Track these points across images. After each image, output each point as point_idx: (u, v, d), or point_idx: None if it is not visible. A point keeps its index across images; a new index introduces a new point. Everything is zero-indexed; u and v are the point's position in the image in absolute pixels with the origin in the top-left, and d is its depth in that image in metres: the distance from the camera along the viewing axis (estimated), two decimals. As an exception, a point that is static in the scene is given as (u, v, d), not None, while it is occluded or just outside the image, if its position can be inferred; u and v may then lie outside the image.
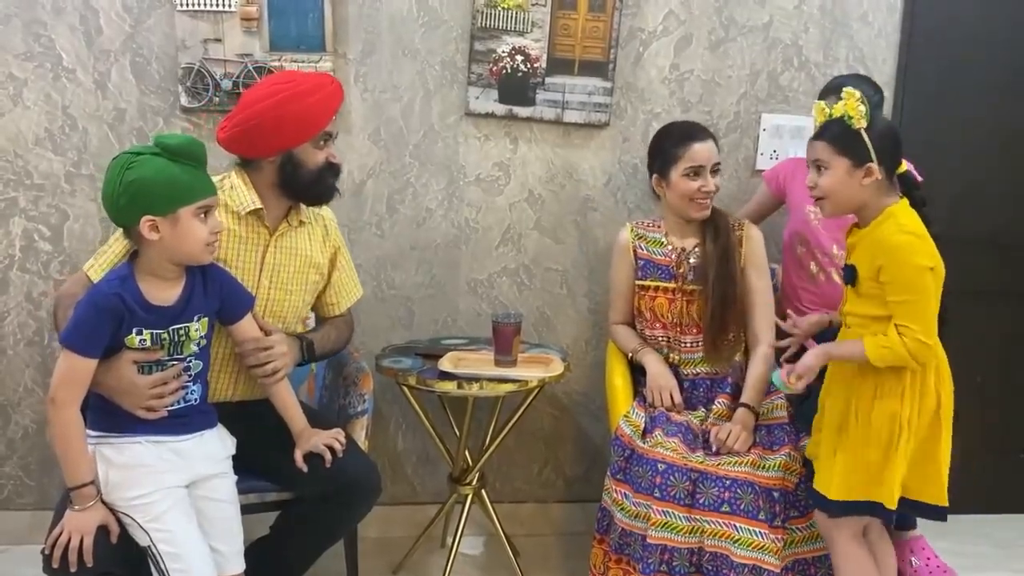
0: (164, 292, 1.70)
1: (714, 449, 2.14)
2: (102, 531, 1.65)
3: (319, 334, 2.10)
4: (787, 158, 2.68)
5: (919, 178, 2.01)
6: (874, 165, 1.83)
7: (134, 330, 1.66)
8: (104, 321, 1.63)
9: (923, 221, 1.85)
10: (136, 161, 1.61)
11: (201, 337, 1.75)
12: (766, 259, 2.39)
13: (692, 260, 2.34)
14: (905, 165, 1.90)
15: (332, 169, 2.00)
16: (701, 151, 2.28)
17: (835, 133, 1.86)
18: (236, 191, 1.94)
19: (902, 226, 1.82)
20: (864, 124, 1.83)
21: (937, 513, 1.91)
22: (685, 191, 2.30)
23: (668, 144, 2.34)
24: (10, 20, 2.41)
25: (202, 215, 1.67)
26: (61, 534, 1.63)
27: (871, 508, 1.89)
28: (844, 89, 1.85)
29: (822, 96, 2.42)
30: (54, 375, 1.64)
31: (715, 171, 2.31)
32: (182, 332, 1.72)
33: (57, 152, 2.49)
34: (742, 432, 2.15)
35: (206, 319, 1.76)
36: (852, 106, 1.83)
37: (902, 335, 1.81)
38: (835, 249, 2.42)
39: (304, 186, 1.97)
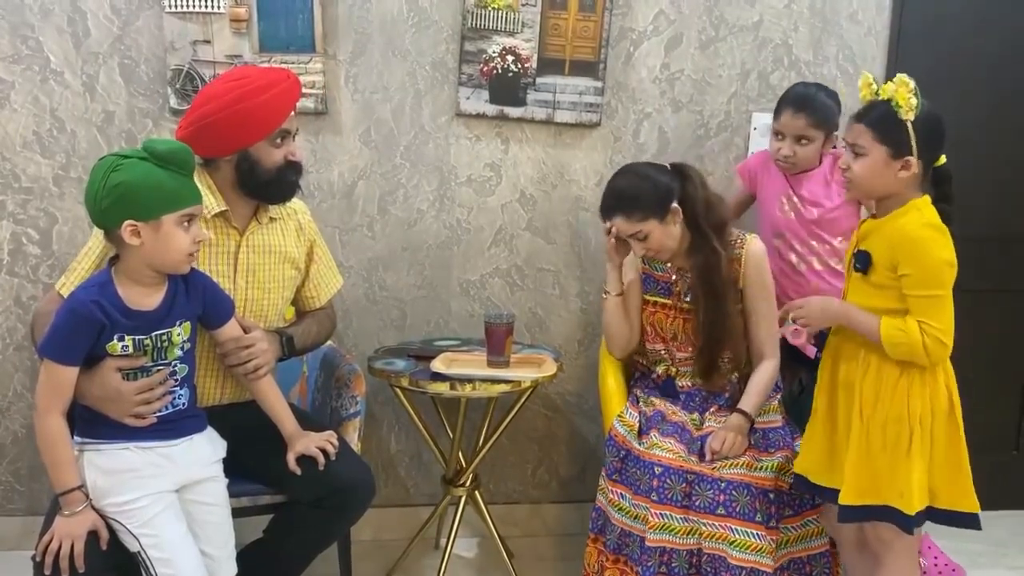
0: (145, 298, 1.68)
1: (708, 458, 2.11)
2: (92, 537, 1.64)
3: (300, 328, 2.09)
4: (757, 151, 2.66)
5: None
6: (913, 159, 1.77)
7: (115, 337, 1.64)
8: (82, 329, 1.61)
9: (947, 218, 1.81)
10: (123, 164, 1.59)
11: (184, 341, 1.74)
12: (769, 273, 2.30)
13: (688, 279, 2.28)
14: (943, 160, 1.84)
15: (292, 167, 1.95)
16: (616, 227, 2.21)
17: (878, 118, 1.78)
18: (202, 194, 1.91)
19: (927, 220, 1.79)
20: (912, 117, 1.75)
21: (971, 521, 1.86)
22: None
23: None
24: (-3, 22, 2.40)
25: (185, 223, 1.65)
26: (51, 540, 1.61)
27: (885, 513, 1.83)
28: (898, 76, 1.77)
29: (781, 105, 2.41)
30: (37, 384, 1.63)
31: (641, 238, 2.19)
32: (165, 338, 1.70)
33: (45, 155, 2.48)
34: (736, 438, 2.12)
35: (188, 323, 1.74)
36: (903, 96, 1.75)
37: (923, 331, 1.76)
38: (812, 241, 2.43)
39: (262, 185, 1.92)
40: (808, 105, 2.37)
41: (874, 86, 1.81)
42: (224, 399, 1.99)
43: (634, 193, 2.19)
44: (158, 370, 1.70)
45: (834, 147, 2.45)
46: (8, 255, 2.51)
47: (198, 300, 1.77)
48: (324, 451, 1.90)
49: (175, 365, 1.73)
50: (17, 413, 2.59)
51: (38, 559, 1.62)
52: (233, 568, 1.82)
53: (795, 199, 2.44)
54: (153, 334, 1.68)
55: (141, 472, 1.68)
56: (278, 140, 1.91)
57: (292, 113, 1.92)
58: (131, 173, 1.59)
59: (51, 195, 2.49)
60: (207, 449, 1.80)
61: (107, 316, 1.62)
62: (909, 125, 1.76)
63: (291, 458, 1.90)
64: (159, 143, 1.63)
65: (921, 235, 1.78)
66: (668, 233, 2.21)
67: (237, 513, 1.97)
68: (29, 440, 2.57)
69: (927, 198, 1.84)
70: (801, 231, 2.45)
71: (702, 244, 2.23)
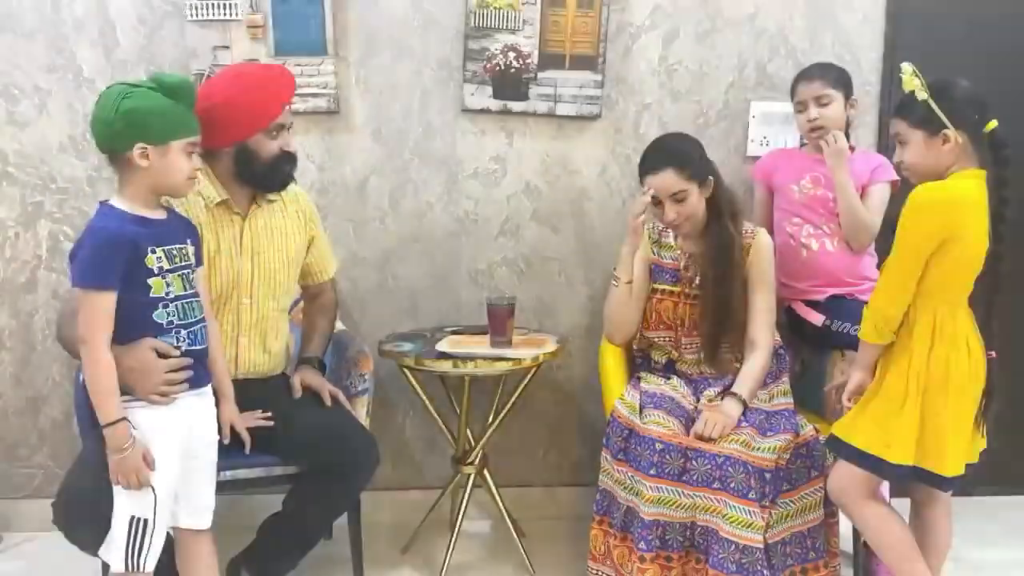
0: (150, 214, 1.78)
1: (692, 434, 2.16)
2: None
3: (316, 340, 2.30)
4: (767, 152, 2.77)
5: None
6: (950, 131, 1.87)
7: (148, 249, 1.72)
8: (113, 249, 1.68)
9: (1002, 182, 1.87)
10: (133, 92, 1.71)
11: (192, 268, 1.84)
12: (772, 268, 2.36)
13: (698, 264, 2.35)
14: (993, 124, 1.90)
15: (287, 158, 2.09)
16: (653, 183, 2.26)
17: (904, 106, 1.93)
18: (201, 184, 2.02)
19: (934, 185, 1.87)
20: (926, 95, 1.88)
21: (937, 481, 1.92)
22: (656, 214, 2.33)
23: (639, 168, 2.34)
24: (35, 35, 2.59)
25: (189, 151, 1.77)
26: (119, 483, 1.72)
27: (875, 463, 1.92)
28: (901, 65, 1.92)
29: (793, 83, 2.54)
30: (79, 318, 1.68)
31: (680, 199, 2.25)
32: (184, 252, 1.80)
33: (79, 158, 2.66)
34: (722, 420, 2.15)
35: (192, 248, 1.84)
36: (907, 82, 1.90)
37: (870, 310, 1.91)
38: (823, 222, 2.50)
39: (259, 175, 2.06)
40: (816, 69, 2.53)
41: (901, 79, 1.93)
42: (238, 375, 2.11)
43: (687, 150, 2.30)
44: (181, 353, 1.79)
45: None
46: (47, 251, 2.70)
47: (192, 229, 1.89)
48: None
49: (194, 302, 1.83)
50: (57, 400, 2.76)
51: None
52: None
53: (822, 179, 2.52)
54: (175, 246, 1.78)
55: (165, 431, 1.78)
56: (274, 132, 2.05)
57: (287, 107, 2.06)
58: (143, 100, 1.71)
59: (85, 195, 2.67)
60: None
61: (131, 229, 1.71)
62: (932, 103, 1.87)
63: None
64: (166, 76, 1.77)
65: (912, 200, 1.86)
66: (700, 202, 2.29)
67: (252, 484, 2.09)
68: (68, 427, 2.73)
69: (973, 171, 1.89)
70: (813, 215, 2.52)
71: (720, 225, 2.30)
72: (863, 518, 2.02)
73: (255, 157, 2.04)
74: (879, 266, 2.21)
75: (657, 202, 2.27)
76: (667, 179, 2.25)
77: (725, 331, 2.32)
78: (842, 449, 1.98)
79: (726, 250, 2.29)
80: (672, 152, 2.29)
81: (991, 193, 1.87)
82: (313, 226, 2.28)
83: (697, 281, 2.34)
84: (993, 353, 1.95)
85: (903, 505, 2.15)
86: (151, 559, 1.75)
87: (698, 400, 2.31)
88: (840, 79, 2.51)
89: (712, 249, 2.30)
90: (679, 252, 2.38)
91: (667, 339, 2.41)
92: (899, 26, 2.82)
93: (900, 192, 2.48)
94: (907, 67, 1.91)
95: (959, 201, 1.85)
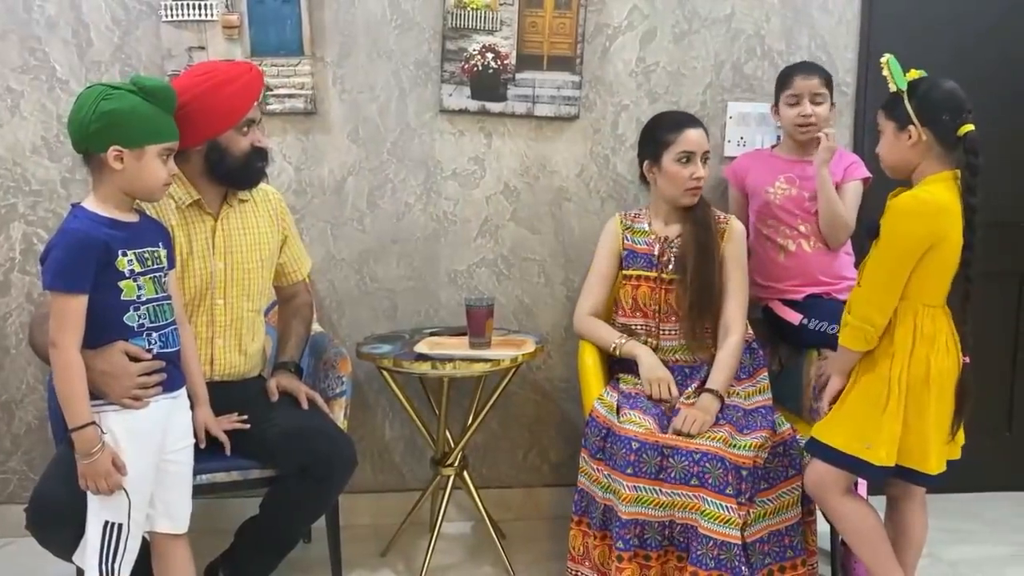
0: (123, 216, 1.77)
1: (669, 432, 2.18)
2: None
3: (292, 344, 2.26)
4: (739, 155, 2.79)
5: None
6: (914, 128, 1.89)
7: (119, 252, 1.71)
8: (86, 252, 1.67)
9: (968, 188, 1.87)
10: (112, 94, 1.70)
11: (165, 271, 1.83)
12: (745, 253, 2.44)
13: (674, 249, 2.40)
14: (965, 128, 1.89)
15: (259, 153, 2.08)
16: (693, 137, 2.36)
17: (888, 100, 1.97)
18: (172, 186, 1.98)
19: (916, 193, 1.89)
20: (895, 88, 1.92)
21: (921, 479, 1.94)
22: (676, 177, 2.36)
23: (661, 130, 2.41)
24: (7, 36, 2.56)
25: (165, 157, 1.76)
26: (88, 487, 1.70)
27: (855, 463, 1.93)
28: (884, 55, 1.96)
29: (790, 73, 2.57)
30: (50, 321, 1.68)
31: (705, 159, 2.38)
32: (156, 254, 1.79)
33: (53, 159, 2.63)
34: (701, 416, 2.18)
35: (165, 251, 1.83)
36: (885, 72, 1.94)
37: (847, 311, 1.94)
38: (799, 223, 2.52)
39: (231, 171, 2.05)
40: (814, 67, 2.59)
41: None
42: (214, 377, 2.10)
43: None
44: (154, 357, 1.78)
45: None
46: (20, 254, 2.66)
47: (163, 231, 1.88)
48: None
49: (165, 305, 1.82)
50: (31, 405, 2.73)
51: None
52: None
53: (796, 180, 2.55)
54: (147, 249, 1.77)
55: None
56: (245, 128, 2.04)
57: (256, 103, 2.05)
58: (121, 102, 1.70)
59: (59, 197, 2.64)
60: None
61: (103, 232, 1.70)
62: (904, 97, 1.90)
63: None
64: (146, 79, 1.76)
65: (893, 204, 1.89)
66: None
67: (229, 487, 2.08)
68: (42, 431, 2.70)
69: (944, 174, 1.91)
70: (786, 216, 2.54)
71: (701, 208, 2.40)
72: (839, 513, 2.03)
73: (227, 154, 2.03)
74: (856, 264, 2.23)
75: (686, 160, 2.35)
76: (703, 137, 2.39)
77: (707, 313, 2.36)
78: (822, 451, 1.99)
79: (709, 231, 2.37)
80: (696, 118, 2.48)
81: (961, 198, 1.89)
82: (286, 225, 2.27)
83: (672, 266, 2.38)
84: (967, 359, 1.96)
85: (880, 502, 2.17)
86: (126, 564, 1.74)
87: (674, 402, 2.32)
88: (830, 82, 2.57)
89: (695, 230, 2.37)
90: (652, 237, 2.42)
91: (645, 326, 2.42)
92: (875, 27, 2.84)
93: (872, 190, 2.51)
94: (883, 59, 1.95)
95: (941, 209, 1.87)
